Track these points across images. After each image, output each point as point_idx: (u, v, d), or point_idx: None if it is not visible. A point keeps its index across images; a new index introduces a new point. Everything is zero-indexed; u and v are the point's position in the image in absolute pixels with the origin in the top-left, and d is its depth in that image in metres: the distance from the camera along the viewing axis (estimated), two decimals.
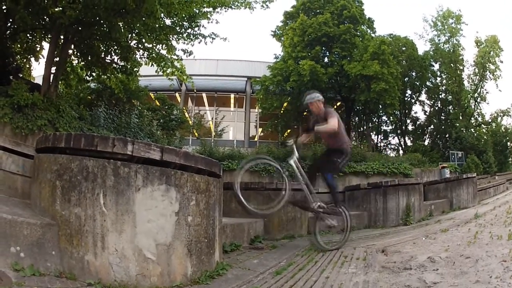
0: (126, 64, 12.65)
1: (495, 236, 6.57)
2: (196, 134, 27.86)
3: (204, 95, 34.97)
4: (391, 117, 32.59)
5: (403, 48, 31.31)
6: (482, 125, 34.64)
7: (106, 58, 12.39)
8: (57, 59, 11.01)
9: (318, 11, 28.98)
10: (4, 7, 10.51)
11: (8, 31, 11.38)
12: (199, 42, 12.60)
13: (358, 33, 27.69)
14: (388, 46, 26.17)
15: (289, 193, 7.11)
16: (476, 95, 33.65)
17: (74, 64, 13.05)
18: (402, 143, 34.50)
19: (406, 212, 11.32)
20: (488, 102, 35.00)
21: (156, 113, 18.52)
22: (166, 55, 12.39)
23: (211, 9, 12.43)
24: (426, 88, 33.88)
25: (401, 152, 32.78)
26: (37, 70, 32.22)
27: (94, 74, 12.98)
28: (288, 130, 33.43)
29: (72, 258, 3.79)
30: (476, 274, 4.35)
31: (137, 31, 11.22)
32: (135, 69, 13.38)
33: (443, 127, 32.35)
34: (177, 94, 33.38)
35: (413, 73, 32.44)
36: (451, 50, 33.14)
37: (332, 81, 27.34)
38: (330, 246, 7.21)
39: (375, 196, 11.74)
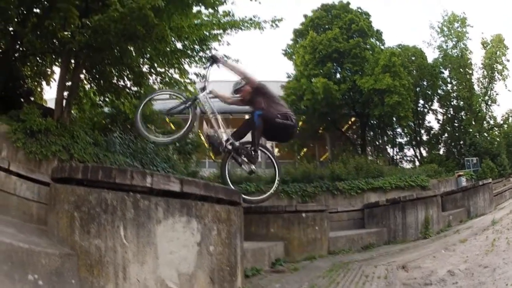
0: (140, 89, 12.63)
1: None
2: (212, 157, 27.80)
3: (218, 117, 34.25)
4: (405, 129, 32.41)
5: (413, 58, 31.28)
6: (494, 128, 34.28)
7: (119, 83, 12.39)
8: (69, 83, 11.01)
9: (326, 26, 29.15)
10: (11, 29, 10.54)
11: (17, 54, 11.42)
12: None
13: (367, 46, 27.78)
14: (398, 57, 26.16)
15: (191, 125, 7.26)
16: (486, 98, 33.35)
17: (87, 89, 13.05)
18: (417, 154, 34.22)
19: (425, 225, 11.28)
20: (498, 104, 34.82)
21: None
22: (179, 79, 12.38)
23: (221, 31, 12.46)
24: (438, 96, 33.68)
25: (417, 163, 32.48)
26: (49, 92, 32.38)
27: (107, 99, 12.97)
28: (305, 149, 33.39)
29: (92, 287, 3.71)
30: (493, 283, 4.38)
31: (148, 55, 11.24)
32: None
33: (456, 134, 32.08)
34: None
35: (424, 82, 32.35)
36: (459, 55, 32.96)
37: (346, 97, 27.35)
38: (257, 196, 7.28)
39: (394, 212, 11.67)
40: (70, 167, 4.36)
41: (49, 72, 12.92)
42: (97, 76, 12.05)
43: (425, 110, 34.34)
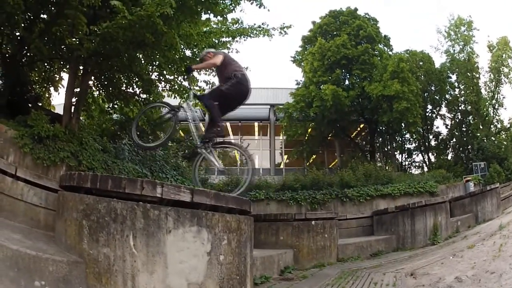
0: (149, 97, 12.61)
1: None
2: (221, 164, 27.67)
3: (228, 124, 34.09)
4: (414, 135, 32.28)
5: (420, 63, 31.09)
6: (502, 132, 34.08)
7: (128, 90, 12.37)
8: (78, 89, 10.98)
9: (335, 33, 28.92)
10: (18, 34, 10.55)
11: (25, 59, 11.42)
12: None
13: (376, 52, 27.56)
14: (406, 63, 25.95)
15: (173, 132, 7.46)
16: (493, 101, 33.17)
17: (96, 95, 13.04)
18: (426, 159, 34.01)
19: (434, 232, 11.28)
20: (505, 108, 34.56)
21: (180, 144, 18.39)
22: (189, 86, 12.36)
23: (230, 38, 12.42)
24: (446, 101, 33.42)
25: (425, 169, 32.30)
26: (58, 98, 32.48)
27: (116, 106, 12.95)
28: (314, 156, 33.34)
29: None
30: None
31: (157, 63, 11.20)
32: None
33: (464, 139, 31.83)
34: (201, 124, 32.52)
35: (432, 88, 32.12)
36: (466, 59, 32.74)
37: (355, 104, 27.14)
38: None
39: (402, 218, 11.69)
40: (79, 176, 4.37)
41: (57, 78, 12.87)
42: (106, 83, 11.99)
43: (433, 115, 34.11)
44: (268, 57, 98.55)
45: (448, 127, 34.24)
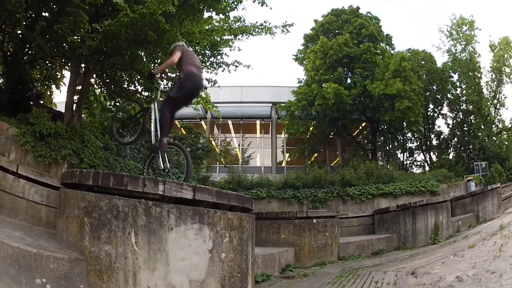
0: (151, 94, 12.60)
1: None
2: (223, 162, 27.66)
3: (229, 122, 34.74)
4: (415, 134, 32.21)
5: (422, 62, 31.04)
6: (503, 132, 34.03)
7: (130, 88, 12.35)
8: (79, 87, 10.97)
9: (337, 31, 28.98)
10: (19, 32, 10.54)
11: (26, 57, 11.41)
12: (223, 71, 12.59)
13: (378, 51, 27.55)
14: (408, 62, 25.92)
15: (143, 130, 7.45)
16: (495, 101, 33.12)
17: (97, 93, 13.02)
18: (427, 158, 33.95)
19: (435, 231, 11.28)
20: (507, 108, 34.48)
21: (182, 142, 18.38)
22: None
23: (232, 36, 12.42)
24: (448, 101, 33.37)
25: (427, 168, 32.26)
26: (59, 96, 32.41)
27: (118, 103, 12.93)
28: (315, 154, 33.35)
29: None
30: None
31: (159, 61, 11.18)
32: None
33: (466, 138, 31.76)
34: (202, 122, 33.19)
35: (434, 87, 32.06)
36: (468, 59, 32.67)
37: (356, 102, 27.13)
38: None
39: (404, 217, 11.68)
40: (81, 173, 4.36)
41: (59, 76, 12.87)
42: (108, 81, 11.98)
43: (435, 114, 34.07)
44: (270, 55, 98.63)
45: (450, 126, 34.22)
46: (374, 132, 30.12)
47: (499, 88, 32.95)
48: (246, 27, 12.42)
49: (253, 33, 12.60)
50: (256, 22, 12.64)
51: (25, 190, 6.74)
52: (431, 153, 34.21)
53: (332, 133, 30.65)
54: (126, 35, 8.57)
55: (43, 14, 10.48)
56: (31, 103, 11.56)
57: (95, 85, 12.44)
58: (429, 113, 32.94)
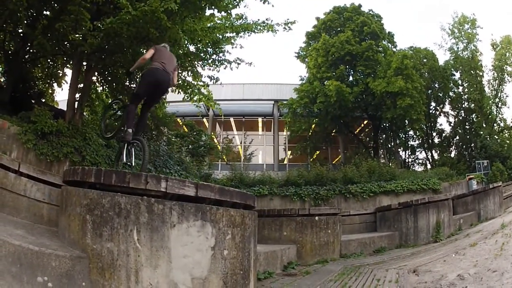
0: None
1: None
2: (225, 159, 27.64)
3: (231, 119, 34.74)
4: (417, 132, 32.15)
5: (424, 60, 31.02)
6: (505, 130, 33.97)
7: (132, 85, 12.34)
8: (81, 85, 10.97)
9: (339, 29, 28.96)
10: (21, 31, 10.55)
11: (28, 56, 11.42)
12: (225, 68, 12.52)
13: (380, 48, 27.56)
14: (410, 60, 25.86)
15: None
16: (497, 100, 33.05)
17: (99, 91, 13.03)
18: (429, 156, 33.91)
19: (436, 229, 11.29)
20: (508, 106, 34.37)
21: (184, 139, 18.36)
22: (193, 82, 12.30)
23: (234, 34, 12.34)
24: (449, 99, 33.29)
25: (428, 166, 32.23)
26: (61, 94, 32.41)
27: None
28: (317, 152, 33.35)
29: None
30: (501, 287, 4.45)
31: None
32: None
33: (468, 137, 31.69)
34: (204, 120, 33.08)
35: (436, 85, 32.00)
36: (470, 57, 32.57)
37: (358, 100, 27.04)
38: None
39: (406, 215, 11.69)
40: (83, 170, 4.36)
41: (60, 74, 12.89)
42: (110, 79, 11.95)
43: (437, 112, 34.03)
44: (272, 53, 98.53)
45: (452, 124, 34.15)
46: (376, 129, 30.10)
47: (500, 86, 32.87)
48: (248, 25, 12.37)
49: (255, 30, 12.54)
50: (258, 19, 12.58)
51: (26, 188, 6.74)
52: (433, 151, 34.17)
53: (334, 131, 30.63)
54: (128, 33, 8.57)
55: (45, 12, 10.49)
56: (33, 101, 11.58)
57: (96, 83, 12.44)
58: (431, 111, 32.92)
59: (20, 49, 10.89)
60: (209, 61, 12.38)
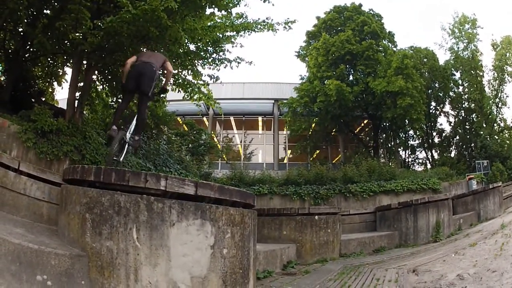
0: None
1: None
2: (225, 158, 27.65)
3: (231, 118, 34.79)
4: (417, 131, 32.17)
5: (425, 60, 31.09)
6: (505, 131, 33.97)
7: None
8: (81, 84, 10.97)
9: (339, 28, 29.06)
10: (21, 30, 10.55)
11: (28, 54, 11.42)
12: (225, 67, 12.52)
13: (380, 48, 27.64)
14: (410, 60, 25.94)
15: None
16: (497, 100, 33.07)
17: (99, 90, 13.02)
18: (429, 156, 33.95)
19: (436, 229, 11.30)
20: (508, 106, 34.42)
21: (184, 138, 18.37)
22: (193, 81, 12.30)
23: (234, 33, 12.34)
24: (450, 99, 33.36)
25: (428, 166, 32.26)
26: (61, 93, 32.42)
27: (120, 100, 12.92)
28: (317, 151, 33.39)
29: None
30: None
31: None
32: (162, 95, 13.36)
33: (468, 136, 31.73)
34: (204, 119, 33.03)
35: (436, 85, 32.05)
36: (470, 57, 32.61)
37: (359, 99, 27.11)
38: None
39: (405, 215, 11.71)
40: (83, 169, 4.36)
41: (60, 73, 12.91)
42: (110, 77, 11.94)
43: (437, 112, 34.08)
44: (272, 52, 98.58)
45: (452, 124, 34.18)
46: (376, 129, 30.16)
47: (501, 86, 32.91)
48: (248, 24, 12.36)
49: (255, 29, 12.53)
50: (258, 18, 12.59)
51: (26, 187, 6.73)
52: (433, 151, 34.21)
53: (334, 130, 30.74)
54: (128, 32, 8.58)
55: (45, 11, 10.49)
56: (33, 100, 11.57)
57: (97, 82, 12.43)
58: (431, 111, 32.96)
59: (20, 48, 10.89)
60: (209, 60, 12.38)
